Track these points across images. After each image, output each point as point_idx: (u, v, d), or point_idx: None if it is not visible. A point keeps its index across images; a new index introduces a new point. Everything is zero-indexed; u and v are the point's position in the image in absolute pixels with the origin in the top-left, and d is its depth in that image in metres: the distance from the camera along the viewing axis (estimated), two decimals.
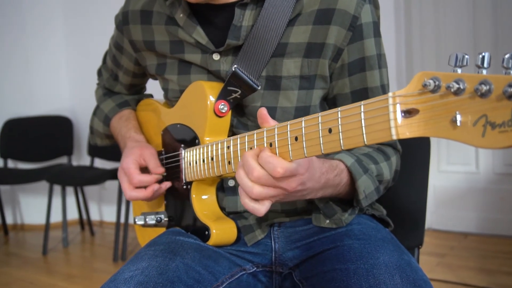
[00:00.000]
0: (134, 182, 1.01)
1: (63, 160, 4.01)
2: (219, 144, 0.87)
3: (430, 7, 3.10)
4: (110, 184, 3.66)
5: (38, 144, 3.93)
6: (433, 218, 3.21)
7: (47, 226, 3.45)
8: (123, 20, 1.10)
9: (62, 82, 4.23)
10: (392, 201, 1.12)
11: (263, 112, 0.77)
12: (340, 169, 0.86)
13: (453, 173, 3.14)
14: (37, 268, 3.15)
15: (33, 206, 4.09)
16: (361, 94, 0.95)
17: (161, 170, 1.03)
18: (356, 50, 0.92)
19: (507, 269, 2.51)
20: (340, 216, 0.93)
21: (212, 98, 0.95)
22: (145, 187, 1.02)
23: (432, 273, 2.49)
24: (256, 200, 0.74)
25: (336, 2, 0.90)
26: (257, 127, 0.96)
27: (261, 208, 0.75)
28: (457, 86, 0.50)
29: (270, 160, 0.72)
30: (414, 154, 1.14)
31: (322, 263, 0.88)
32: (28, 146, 3.93)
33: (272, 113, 0.95)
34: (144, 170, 1.04)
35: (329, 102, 1.00)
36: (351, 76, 0.94)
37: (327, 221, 0.94)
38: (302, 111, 0.96)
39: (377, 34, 0.94)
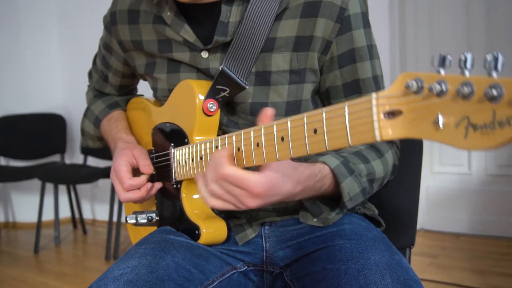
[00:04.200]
0: (125, 186, 1.00)
1: (56, 158, 4.00)
2: (208, 143, 0.87)
3: (424, 7, 3.11)
4: (103, 183, 3.65)
5: (30, 141, 3.91)
6: (425, 218, 3.22)
7: (39, 224, 3.43)
8: (111, 21, 1.09)
9: (56, 79, 4.21)
10: (384, 201, 1.12)
11: (268, 112, 0.75)
12: (323, 175, 0.85)
13: (446, 174, 3.16)
14: (29, 267, 3.13)
15: (25, 204, 4.07)
16: (353, 86, 0.94)
17: (150, 170, 1.02)
18: (345, 42, 0.92)
19: (499, 270, 2.52)
20: (327, 215, 0.92)
21: (201, 97, 0.94)
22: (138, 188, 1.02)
23: (424, 273, 2.49)
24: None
25: None
26: (248, 125, 0.96)
27: (210, 201, 0.79)
28: (439, 87, 0.50)
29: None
30: (406, 155, 1.14)
31: (313, 263, 0.87)
32: (20, 143, 3.91)
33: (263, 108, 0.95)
34: (137, 170, 1.04)
35: (322, 95, 0.99)
36: (341, 69, 0.93)
37: (314, 219, 0.94)
38: (293, 106, 0.95)
39: (366, 25, 0.93)
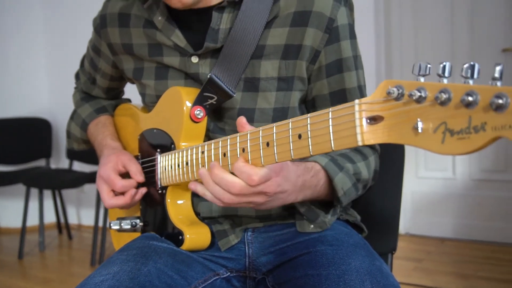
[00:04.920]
0: (117, 187, 1.00)
1: (41, 162, 3.96)
2: (194, 149, 0.88)
3: (408, 15, 3.15)
4: (89, 188, 3.62)
5: (15, 146, 3.87)
6: (410, 223, 3.25)
7: (24, 230, 3.39)
8: (101, 23, 1.10)
9: (41, 83, 4.18)
10: (366, 207, 1.13)
11: (242, 120, 0.78)
12: (316, 170, 0.87)
13: (431, 179, 3.19)
14: (13, 272, 3.10)
15: (9, 209, 4.02)
16: (340, 95, 0.96)
17: (142, 177, 1.02)
18: (333, 52, 0.94)
19: (482, 274, 2.55)
20: (324, 219, 0.94)
21: (188, 104, 0.95)
22: (123, 194, 1.02)
23: (409, 278, 2.51)
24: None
25: (312, 4, 0.91)
26: (234, 131, 0.97)
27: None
28: (418, 94, 0.52)
29: (244, 170, 0.74)
30: (388, 160, 1.15)
31: (295, 268, 0.88)
32: (5, 148, 3.87)
33: (251, 114, 0.96)
34: (123, 176, 1.04)
35: (308, 104, 1.01)
36: (328, 78, 0.96)
37: (312, 225, 0.95)
38: (280, 112, 0.96)
39: (352, 36, 0.96)
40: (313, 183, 0.86)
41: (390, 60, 3.19)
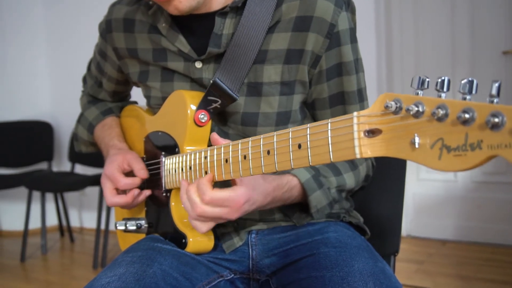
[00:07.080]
0: (121, 185, 1.01)
1: (43, 165, 3.97)
2: (197, 153, 0.89)
3: (409, 18, 3.16)
4: (91, 190, 3.63)
5: (17, 149, 3.88)
6: (412, 225, 3.25)
7: (26, 233, 3.40)
8: (106, 28, 1.11)
9: (43, 86, 4.19)
10: (369, 209, 1.14)
11: (214, 137, 0.85)
12: (291, 186, 0.91)
13: (432, 181, 3.19)
14: (15, 276, 3.10)
15: (11, 212, 4.03)
16: (338, 97, 0.97)
17: (145, 174, 1.03)
18: (333, 57, 0.95)
19: (483, 276, 2.55)
20: (300, 215, 0.99)
21: (192, 107, 0.96)
22: (126, 193, 1.03)
23: (410, 279, 2.52)
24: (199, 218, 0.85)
25: (314, 9, 0.92)
26: (238, 135, 0.98)
27: (202, 227, 0.86)
28: (416, 109, 0.52)
29: (200, 187, 0.82)
30: (390, 162, 1.16)
31: (299, 270, 0.89)
32: (7, 151, 3.88)
33: (255, 118, 0.97)
34: (128, 175, 1.05)
35: (308, 106, 1.02)
36: (329, 81, 0.97)
37: (294, 220, 1.01)
38: (283, 116, 0.97)
39: (353, 40, 0.97)
40: (285, 197, 0.92)
41: (391, 63, 3.20)
